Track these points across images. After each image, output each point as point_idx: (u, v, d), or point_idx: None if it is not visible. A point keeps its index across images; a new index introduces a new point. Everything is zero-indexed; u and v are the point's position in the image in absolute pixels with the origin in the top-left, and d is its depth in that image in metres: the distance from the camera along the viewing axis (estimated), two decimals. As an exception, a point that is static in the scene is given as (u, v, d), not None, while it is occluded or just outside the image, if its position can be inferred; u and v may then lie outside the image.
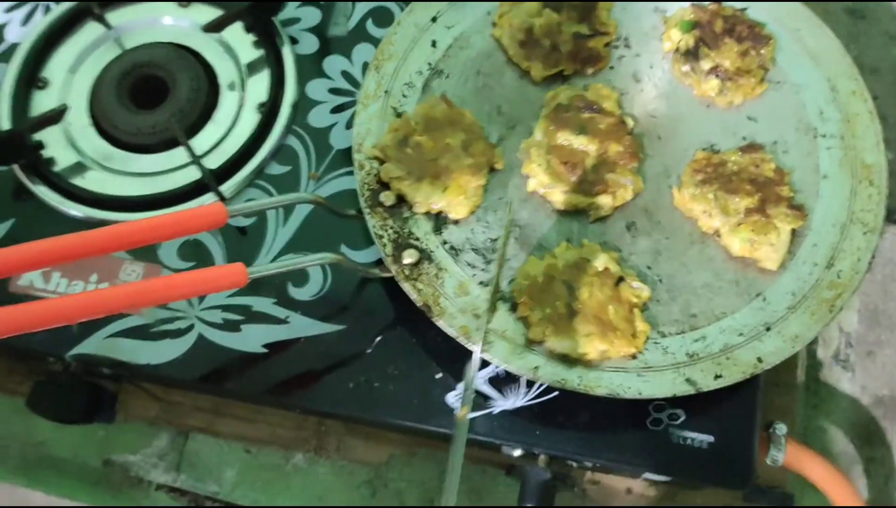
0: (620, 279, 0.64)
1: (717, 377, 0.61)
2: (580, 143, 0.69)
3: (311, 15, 0.83)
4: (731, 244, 0.66)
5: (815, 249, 0.65)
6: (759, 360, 0.61)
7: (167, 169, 0.76)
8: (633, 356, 0.62)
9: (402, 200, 0.67)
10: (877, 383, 0.81)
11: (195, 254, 0.73)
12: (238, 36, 0.81)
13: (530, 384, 0.66)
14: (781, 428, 0.70)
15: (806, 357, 0.81)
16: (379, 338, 0.70)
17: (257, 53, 0.81)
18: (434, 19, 0.74)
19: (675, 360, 0.62)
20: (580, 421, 0.66)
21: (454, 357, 0.64)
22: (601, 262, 0.65)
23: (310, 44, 0.81)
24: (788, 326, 0.62)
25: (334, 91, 0.79)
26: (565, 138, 0.69)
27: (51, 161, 0.76)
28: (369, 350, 0.69)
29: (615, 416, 0.66)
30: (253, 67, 0.80)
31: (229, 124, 0.78)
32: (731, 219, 0.66)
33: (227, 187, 0.74)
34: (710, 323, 0.63)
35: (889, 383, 0.81)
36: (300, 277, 0.71)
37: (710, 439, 0.66)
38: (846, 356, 0.82)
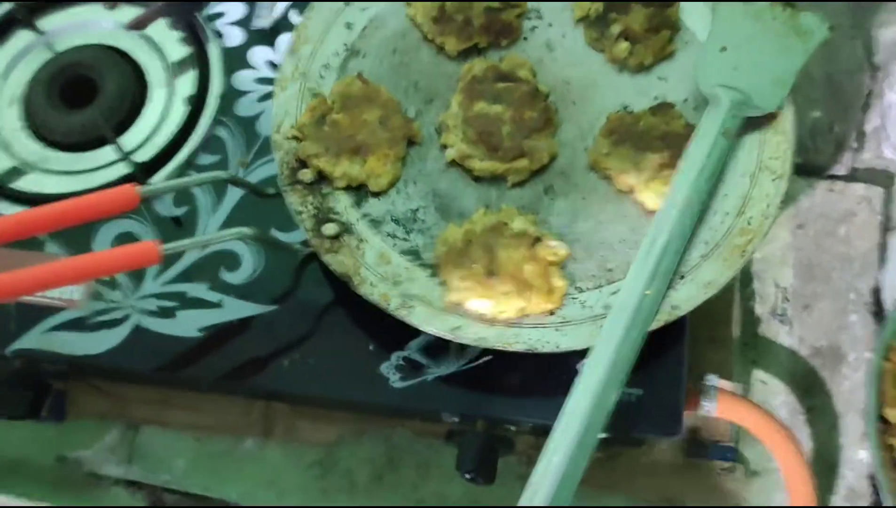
0: (537, 240, 0.65)
1: (633, 326, 0.62)
2: (495, 112, 0.70)
3: (235, 9, 0.84)
4: (646, 199, 0.67)
5: (725, 198, 0.66)
6: (674, 307, 0.62)
7: (101, 165, 0.77)
8: (552, 313, 0.63)
9: (321, 177, 0.69)
10: (814, 334, 0.82)
11: (125, 241, 0.74)
12: (165, 34, 0.83)
13: (462, 350, 0.67)
14: (712, 379, 0.71)
15: (741, 314, 0.82)
16: (312, 316, 0.71)
17: (184, 51, 0.82)
18: (348, 1, 0.75)
19: (593, 313, 0.63)
20: (512, 384, 0.68)
21: (385, 328, 0.65)
22: (518, 224, 0.66)
23: (235, 37, 0.83)
24: (701, 273, 0.63)
25: (260, 81, 0.81)
26: (481, 109, 0.70)
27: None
28: (303, 328, 0.70)
29: (547, 377, 0.67)
30: (180, 64, 0.82)
31: (158, 119, 0.79)
32: (643, 175, 0.67)
33: (157, 179, 0.76)
34: (626, 276, 0.64)
35: (826, 333, 0.82)
36: (232, 261, 0.73)
37: (639, 392, 0.67)
38: (783, 311, 0.83)
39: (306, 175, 0.68)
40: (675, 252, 0.63)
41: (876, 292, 0.83)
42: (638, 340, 0.60)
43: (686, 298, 0.63)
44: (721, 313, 0.81)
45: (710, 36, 0.71)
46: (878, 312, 0.82)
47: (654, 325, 0.61)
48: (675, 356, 0.68)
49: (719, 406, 0.70)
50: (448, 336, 0.62)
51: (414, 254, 0.66)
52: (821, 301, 0.84)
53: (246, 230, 0.64)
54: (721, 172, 0.66)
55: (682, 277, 0.64)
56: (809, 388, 0.81)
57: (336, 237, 0.66)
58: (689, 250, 0.64)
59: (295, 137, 0.70)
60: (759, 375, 0.81)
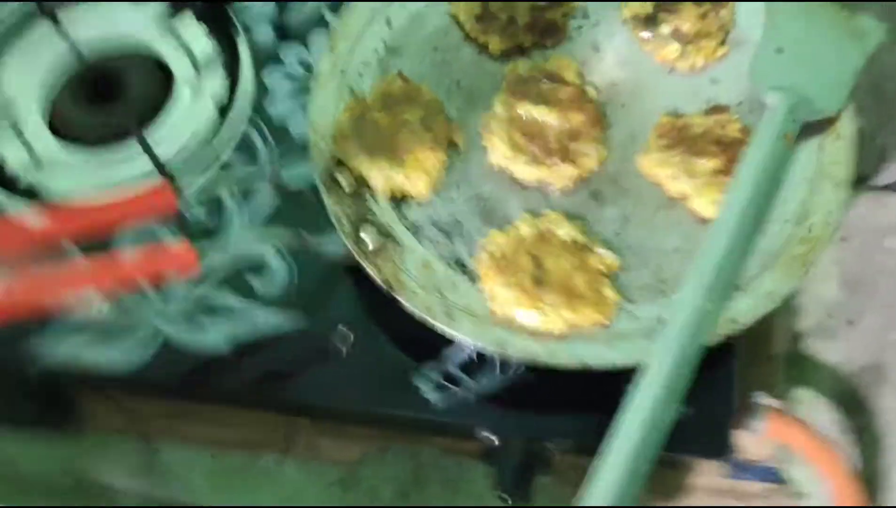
0: (586, 248, 0.62)
1: (691, 340, 0.59)
2: (540, 113, 0.67)
3: (266, 3, 0.81)
4: (700, 207, 0.64)
5: (785, 205, 0.63)
6: (734, 321, 0.59)
7: (122, 162, 0.74)
8: (604, 326, 0.60)
9: (360, 181, 0.66)
10: (859, 351, 0.79)
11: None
12: (191, 28, 0.80)
13: (503, 367, 0.64)
14: (762, 397, 0.68)
15: (784, 329, 0.79)
16: (346, 327, 0.67)
17: (211, 45, 0.79)
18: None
19: (647, 327, 0.60)
20: (554, 402, 0.64)
21: (420, 340, 0.62)
22: (566, 231, 0.63)
23: (265, 32, 0.80)
24: (761, 284, 0.60)
25: (291, 78, 0.78)
26: (525, 110, 0.67)
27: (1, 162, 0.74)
28: (336, 340, 0.67)
29: (591, 394, 0.63)
30: (207, 59, 0.79)
31: (185, 117, 0.76)
32: (697, 181, 0.64)
33: (184, 183, 0.72)
34: (681, 288, 0.61)
35: (871, 350, 0.79)
36: (262, 269, 0.69)
37: (684, 410, 0.63)
38: (827, 326, 0.80)
39: (345, 176, 0.65)
40: (733, 263, 0.60)
41: (924, 308, 0.80)
42: (695, 356, 0.57)
43: (746, 310, 0.60)
44: (763, 329, 0.78)
45: (764, 36, 0.68)
46: (927, 328, 0.79)
47: (714, 340, 0.58)
48: (725, 372, 0.65)
49: (769, 426, 0.67)
50: (495, 351, 0.59)
51: (457, 261, 0.63)
52: (866, 316, 0.81)
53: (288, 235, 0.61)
54: (780, 179, 0.63)
55: (741, 289, 0.60)
56: (853, 407, 0.78)
57: (375, 242, 0.63)
58: (747, 261, 0.61)
59: (333, 137, 0.66)
60: (800, 393, 0.78)
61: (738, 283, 0.60)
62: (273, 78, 0.77)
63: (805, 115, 0.64)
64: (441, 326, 0.60)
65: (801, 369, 0.80)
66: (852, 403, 0.78)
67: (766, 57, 0.67)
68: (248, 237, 0.70)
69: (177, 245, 0.55)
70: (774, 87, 0.65)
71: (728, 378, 0.65)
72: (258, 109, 0.76)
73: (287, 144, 0.74)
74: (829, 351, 0.80)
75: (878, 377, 0.79)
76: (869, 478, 0.76)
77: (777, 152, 0.63)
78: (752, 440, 0.73)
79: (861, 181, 0.87)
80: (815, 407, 0.78)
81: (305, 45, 0.79)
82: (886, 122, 0.89)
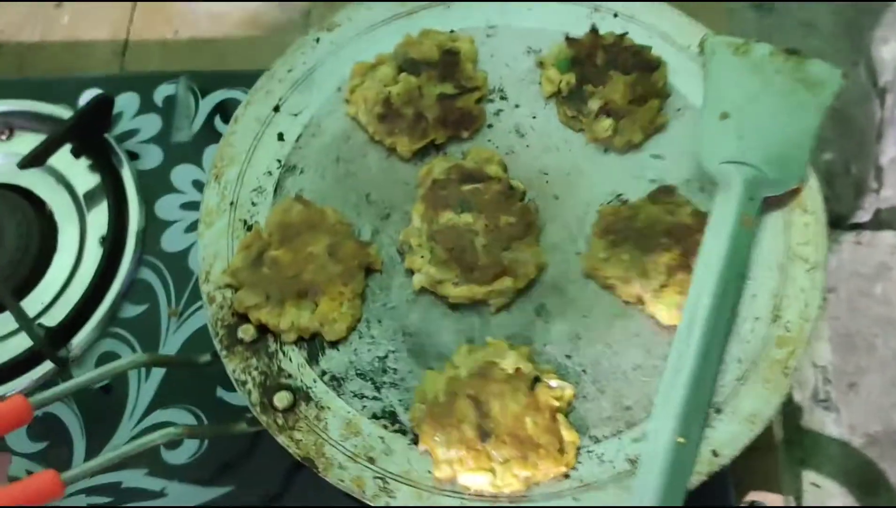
0: (536, 380, 0.53)
1: (668, 483, 0.50)
2: (465, 221, 0.58)
3: (150, 123, 0.72)
4: (659, 312, 0.55)
5: (754, 300, 0.54)
6: (715, 454, 0.50)
7: (1, 336, 0.65)
8: (566, 475, 0.51)
9: (265, 331, 0.56)
10: (865, 418, 0.70)
11: (47, 431, 0.62)
12: (70, 163, 0.71)
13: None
14: (762, 501, 0.59)
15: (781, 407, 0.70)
16: (275, 494, 0.58)
17: (95, 179, 0.70)
18: (276, 109, 0.64)
19: (615, 470, 0.51)
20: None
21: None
22: (511, 362, 0.54)
23: (153, 156, 0.71)
24: (741, 403, 0.52)
25: (188, 206, 0.69)
26: (447, 219, 0.58)
27: None
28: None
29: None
30: (92, 196, 0.70)
31: (71, 268, 0.67)
32: (652, 282, 0.55)
33: (76, 343, 0.63)
34: (649, 414, 0.52)
35: (878, 415, 0.70)
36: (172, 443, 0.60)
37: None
38: (826, 395, 0.71)
39: (247, 332, 0.56)
40: (705, 380, 0.51)
41: (929, 359, 0.72)
42: (677, 501, 0.48)
43: (728, 439, 0.51)
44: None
45: (705, 101, 0.60)
46: (936, 382, 0.71)
47: (695, 480, 0.49)
48: (719, 489, 0.56)
49: (776, 538, 0.58)
50: (442, 526, 0.50)
51: (388, 416, 0.54)
52: (867, 376, 0.72)
53: (140, 357, 0.52)
54: (744, 269, 0.55)
55: (719, 410, 0.52)
56: (869, 485, 0.69)
57: (290, 409, 0.54)
58: (721, 374, 0.52)
59: (229, 286, 0.57)
60: (809, 477, 0.69)
61: (714, 402, 0.52)
62: (167, 208, 0.69)
63: (764, 190, 0.56)
64: (375, 505, 0.51)
65: (804, 449, 0.71)
66: (867, 481, 0.69)
67: (711, 126, 0.58)
68: (154, 403, 0.61)
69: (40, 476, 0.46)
70: (724, 161, 0.57)
71: (723, 497, 0.56)
72: (152, 245, 0.67)
73: (187, 283, 0.65)
74: (832, 423, 0.71)
75: (891, 446, 0.70)
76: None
77: (737, 239, 0.54)
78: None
79: (840, 222, 0.79)
80: (827, 491, 0.69)
81: (200, 164, 0.70)
82: (857, 151, 0.81)
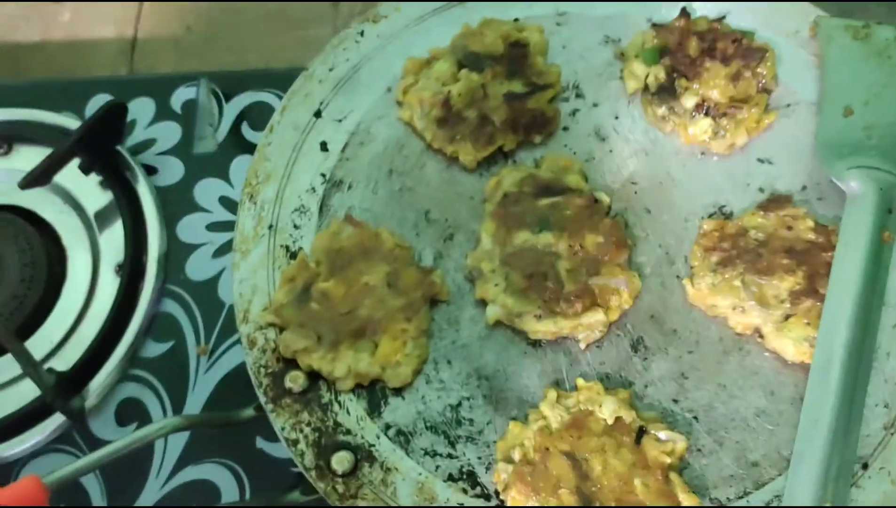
0: (642, 432, 0.45)
1: (813, 557, 0.42)
2: (544, 242, 0.50)
3: (168, 132, 0.64)
4: (783, 347, 0.47)
5: (898, 332, 0.46)
6: (862, 522, 0.42)
7: (2, 383, 0.56)
8: (685, 549, 0.43)
9: (317, 378, 0.48)
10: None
11: (66, 497, 0.53)
12: (78, 179, 0.62)
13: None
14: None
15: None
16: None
17: (106, 197, 0.62)
18: (318, 114, 0.55)
19: (746, 541, 0.43)
20: None
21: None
22: (609, 410, 0.46)
23: (173, 170, 0.62)
24: (892, 456, 0.43)
25: (214, 227, 0.60)
26: (524, 240, 0.50)
27: None
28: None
29: None
30: (104, 217, 0.61)
31: (83, 300, 0.59)
32: (773, 311, 0.47)
33: (93, 389, 0.55)
34: (780, 471, 0.44)
35: None
36: (209, 492, 0.52)
37: None
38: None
39: (297, 381, 0.48)
40: (850, 431, 0.43)
41: None
42: (825, 580, 0.40)
43: (879, 500, 0.42)
44: None
45: (824, 95, 0.51)
46: None
47: (842, 556, 0.41)
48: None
49: None
50: None
51: (467, 478, 0.46)
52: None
53: (172, 421, 0.43)
54: (884, 293, 0.46)
55: (866, 465, 0.43)
56: None
57: (352, 472, 0.45)
58: (865, 422, 0.44)
59: (272, 325, 0.49)
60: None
61: (860, 456, 0.43)
62: (190, 230, 0.60)
63: None
64: (460, 587, 0.42)
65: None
66: None
67: (832, 124, 0.50)
68: (183, 458, 0.53)
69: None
70: (852, 166, 0.48)
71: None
72: (175, 273, 0.59)
73: (217, 315, 0.57)
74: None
75: None
76: None
77: (876, 258, 0.46)
78: None
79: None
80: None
81: (227, 178, 0.62)
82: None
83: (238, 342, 0.55)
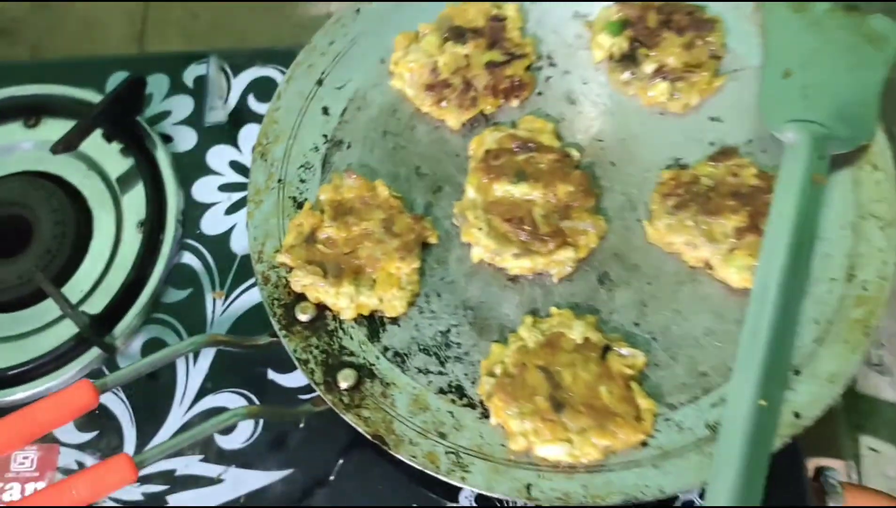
0: (607, 349, 0.52)
1: (751, 448, 0.49)
2: (522, 191, 0.57)
3: (182, 105, 0.70)
4: (729, 276, 0.54)
5: (828, 260, 0.53)
6: (797, 415, 0.49)
7: (42, 325, 0.63)
8: (644, 444, 0.49)
9: (323, 309, 0.55)
10: (920, 381, 0.70)
11: (95, 421, 0.60)
12: (101, 147, 0.69)
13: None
14: (834, 475, 0.58)
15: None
16: (335, 473, 0.57)
17: (127, 163, 0.68)
18: (320, 82, 0.62)
19: (696, 436, 0.50)
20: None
21: (427, 479, 0.51)
22: (579, 332, 0.52)
23: (187, 138, 0.69)
24: (820, 364, 0.50)
25: (226, 187, 0.67)
26: (503, 190, 0.57)
27: None
28: (328, 492, 0.56)
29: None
30: (125, 181, 0.68)
31: (109, 253, 0.65)
32: (721, 246, 0.54)
33: (120, 331, 0.61)
34: (725, 379, 0.51)
35: (933, 378, 0.70)
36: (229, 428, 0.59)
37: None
38: (879, 359, 0.70)
39: (306, 311, 0.54)
40: (784, 342, 0.50)
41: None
42: (763, 467, 0.47)
43: (809, 401, 0.49)
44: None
45: (766, 60, 0.58)
46: None
47: (778, 443, 0.48)
48: (791, 458, 0.55)
49: (847, 504, 0.57)
50: (520, 499, 0.48)
51: (456, 391, 0.53)
52: (920, 339, 0.71)
53: (202, 337, 0.50)
54: (815, 230, 0.53)
55: (798, 372, 0.50)
56: (928, 447, 0.68)
57: (356, 387, 0.52)
58: (797, 336, 0.51)
59: (283, 265, 0.56)
60: (867, 441, 0.68)
61: (792, 364, 0.50)
62: (204, 191, 0.67)
63: (832, 148, 0.54)
64: (451, 480, 0.49)
65: (860, 414, 0.70)
66: (924, 444, 0.68)
67: (773, 85, 0.57)
68: (203, 389, 0.59)
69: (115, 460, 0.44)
70: (789, 119, 0.55)
71: (797, 465, 0.55)
72: (191, 229, 0.65)
73: (230, 265, 0.63)
74: (887, 387, 0.70)
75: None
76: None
77: (808, 199, 0.53)
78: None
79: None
80: (886, 457, 0.68)
81: (236, 144, 0.68)
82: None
83: (249, 287, 0.62)
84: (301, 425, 0.58)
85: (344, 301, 0.54)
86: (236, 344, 0.54)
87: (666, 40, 0.60)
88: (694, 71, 0.59)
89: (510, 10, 0.63)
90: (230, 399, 0.60)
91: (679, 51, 0.59)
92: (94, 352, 0.60)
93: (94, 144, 0.68)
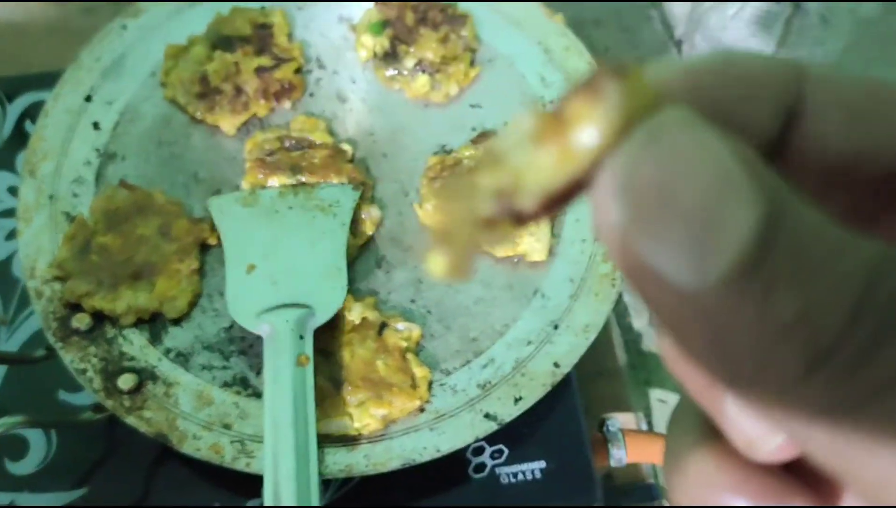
0: (383, 326, 0.55)
1: (518, 399, 0.52)
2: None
3: (-47, 132, 0.68)
4: (492, 247, 0.58)
5: (578, 224, 0.58)
6: (556, 365, 0.53)
7: None
8: (421, 409, 0.52)
9: (102, 318, 0.55)
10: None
11: None
12: None
13: (325, 485, 0.55)
14: (614, 423, 0.62)
15: (621, 334, 0.75)
16: (136, 485, 0.56)
17: None
18: (88, 98, 0.62)
19: (468, 397, 0.53)
20: (398, 498, 0.56)
21: (230, 477, 0.52)
22: (357, 313, 0.55)
23: (-40, 166, 0.67)
24: (575, 317, 0.55)
25: (5, 214, 0.65)
26: (280, 184, 0.59)
27: None
28: (127, 504, 0.56)
29: (435, 478, 0.56)
30: None
31: None
32: (482, 220, 0.57)
33: None
34: (494, 342, 0.55)
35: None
36: (16, 447, 0.57)
37: (542, 464, 0.57)
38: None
39: (82, 321, 0.54)
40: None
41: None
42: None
43: (567, 350, 0.54)
44: (601, 343, 0.73)
45: (227, 261, 0.56)
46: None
47: (541, 393, 0.52)
48: (569, 409, 0.59)
49: (630, 452, 0.62)
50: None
51: (240, 382, 0.54)
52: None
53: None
54: (311, 402, 0.50)
55: (556, 326, 0.55)
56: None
57: (137, 389, 0.52)
58: (555, 295, 0.56)
59: (57, 278, 0.55)
60: (655, 394, 0.74)
61: (551, 321, 0.55)
62: (-19, 218, 0.65)
63: (312, 324, 0.52)
64: (236, 468, 0.50)
65: (647, 370, 0.76)
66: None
67: (238, 284, 0.54)
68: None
69: None
70: (261, 311, 0.53)
71: (574, 416, 0.59)
72: (-29, 258, 0.63)
73: (13, 292, 0.62)
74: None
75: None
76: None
77: (299, 379, 0.50)
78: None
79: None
80: (671, 405, 0.74)
81: (13, 170, 0.67)
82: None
83: (31, 314, 0.61)
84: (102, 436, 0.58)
85: (121, 307, 0.54)
86: (8, 361, 0.53)
87: (423, 37, 0.64)
88: (451, 63, 0.63)
89: (276, 17, 0.65)
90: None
91: (436, 45, 0.63)
92: None
93: None
